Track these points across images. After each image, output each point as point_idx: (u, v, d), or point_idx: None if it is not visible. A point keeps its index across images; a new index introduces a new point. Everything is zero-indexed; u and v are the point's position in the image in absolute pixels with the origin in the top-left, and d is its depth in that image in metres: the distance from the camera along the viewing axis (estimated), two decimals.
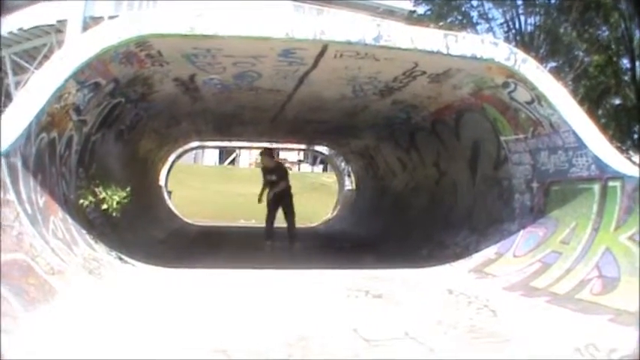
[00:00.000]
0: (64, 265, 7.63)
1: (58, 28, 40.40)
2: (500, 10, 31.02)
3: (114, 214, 10.45)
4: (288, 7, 38.37)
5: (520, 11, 30.21)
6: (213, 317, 6.88)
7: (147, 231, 14.84)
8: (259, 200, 15.10)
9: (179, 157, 25.00)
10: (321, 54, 9.54)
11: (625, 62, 30.06)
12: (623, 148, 27.40)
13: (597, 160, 9.18)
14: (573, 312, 7.40)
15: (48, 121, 8.26)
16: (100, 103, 10.13)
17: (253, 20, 8.59)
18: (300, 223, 24.63)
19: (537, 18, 29.85)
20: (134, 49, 8.95)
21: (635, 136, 30.24)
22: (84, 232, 9.36)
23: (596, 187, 9.16)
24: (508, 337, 6.33)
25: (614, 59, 29.92)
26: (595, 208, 9.08)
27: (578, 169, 9.60)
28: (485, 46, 9.57)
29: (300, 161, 60.62)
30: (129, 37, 8.37)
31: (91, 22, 34.35)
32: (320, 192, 37.83)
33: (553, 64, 29.25)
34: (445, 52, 9.31)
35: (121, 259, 9.95)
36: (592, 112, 18.82)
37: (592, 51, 29.51)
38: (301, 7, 40.27)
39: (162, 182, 23.62)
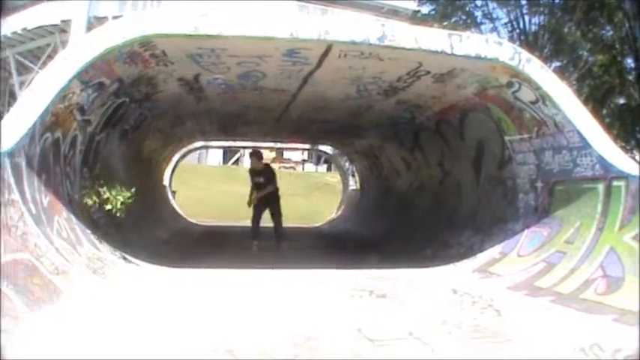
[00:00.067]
0: (68, 265, 7.64)
1: (62, 28, 40.34)
2: (505, 10, 30.92)
3: (118, 214, 10.45)
4: (293, 7, 38.31)
5: (524, 11, 30.11)
6: (218, 317, 6.88)
7: (151, 231, 14.85)
8: (249, 204, 14.97)
9: (183, 156, 25.02)
10: (326, 54, 9.55)
11: (629, 62, 29.97)
12: (628, 147, 27.32)
13: (602, 160, 9.17)
14: (578, 312, 7.40)
15: (52, 121, 8.27)
16: (104, 103, 10.14)
17: (257, 20, 8.60)
18: (304, 222, 24.70)
19: (541, 18, 29.76)
20: (138, 49, 8.96)
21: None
22: (88, 231, 9.37)
23: (601, 187, 9.15)
24: (512, 336, 6.32)
25: (619, 59, 29.82)
26: (599, 207, 9.08)
27: (582, 169, 9.59)
28: (489, 46, 9.57)
29: (304, 161, 60.62)
30: (133, 37, 8.38)
31: (95, 22, 34.29)
32: (324, 192, 37.83)
33: (557, 63, 29.17)
34: (449, 51, 9.30)
35: (125, 258, 9.95)
36: (596, 112, 18.79)
37: (596, 50, 29.42)
38: (305, 7, 40.21)
39: (166, 182, 23.63)
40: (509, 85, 10.15)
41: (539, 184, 10.73)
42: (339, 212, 26.67)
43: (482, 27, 31.43)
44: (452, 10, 31.37)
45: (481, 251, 11.32)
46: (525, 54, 9.74)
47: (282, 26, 8.64)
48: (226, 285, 9.21)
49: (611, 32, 29.59)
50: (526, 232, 10.65)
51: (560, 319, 7.22)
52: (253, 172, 14.81)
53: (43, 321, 5.78)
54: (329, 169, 53.69)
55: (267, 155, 55.57)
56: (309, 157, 59.45)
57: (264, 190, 14.54)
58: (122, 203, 10.41)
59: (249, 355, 5.34)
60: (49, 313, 6.06)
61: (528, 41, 27.97)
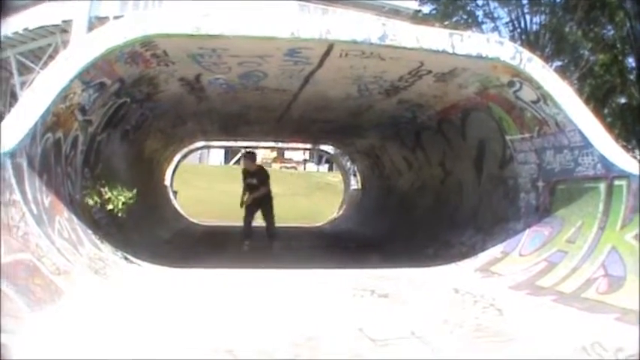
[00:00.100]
0: (69, 265, 7.64)
1: (64, 28, 40.34)
2: (506, 10, 30.98)
3: (119, 214, 10.45)
4: (294, 6, 38.32)
5: (525, 10, 30.16)
6: (219, 317, 6.88)
7: (152, 231, 14.85)
8: (241, 204, 14.93)
9: (184, 157, 25.00)
10: (327, 53, 9.55)
11: (630, 61, 30.00)
12: (629, 147, 27.34)
13: (603, 159, 9.16)
14: (579, 311, 7.40)
15: (53, 121, 8.27)
16: (105, 103, 10.14)
17: (259, 20, 8.59)
18: (305, 222, 24.70)
19: (543, 17, 29.79)
20: (140, 49, 8.96)
21: None
22: (90, 232, 9.37)
23: (602, 186, 9.15)
24: (514, 336, 6.32)
25: (620, 58, 29.85)
26: (601, 207, 9.07)
27: (584, 168, 9.58)
28: (490, 45, 9.57)
29: (305, 160, 60.66)
30: (134, 37, 8.37)
31: (96, 22, 34.28)
32: (325, 191, 37.86)
33: (558, 63, 29.20)
34: (451, 51, 9.30)
35: (126, 259, 9.96)
36: (597, 111, 18.78)
37: (597, 50, 29.45)
38: (306, 7, 40.21)
39: (167, 182, 23.63)
40: (511, 84, 10.14)
41: (540, 184, 10.73)
42: (341, 212, 26.68)
43: (484, 26, 31.51)
44: (453, 9, 31.44)
45: (483, 251, 11.32)
46: (526, 53, 9.74)
47: (283, 26, 8.64)
48: (227, 285, 9.22)
49: (612, 32, 29.64)
50: (527, 231, 10.65)
51: (561, 318, 7.22)
52: (246, 173, 14.75)
53: (45, 321, 5.78)
54: (330, 168, 53.69)
55: (269, 155, 55.73)
56: (310, 157, 59.48)
57: (258, 191, 14.49)
58: (123, 203, 10.41)
59: (249, 355, 5.35)
60: (50, 314, 6.06)
61: (529, 41, 28.00)
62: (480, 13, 31.77)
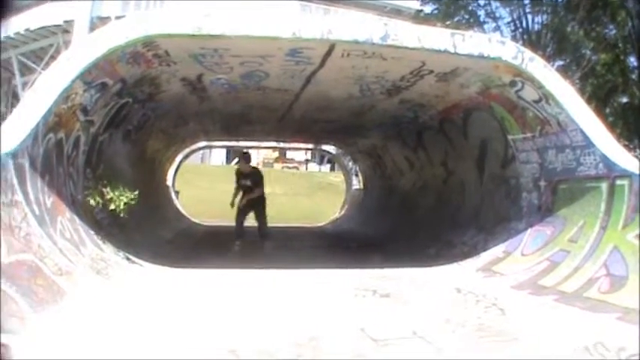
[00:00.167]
0: (71, 266, 7.64)
1: (65, 29, 40.35)
2: (508, 9, 30.96)
3: (121, 214, 10.46)
4: (295, 6, 38.31)
5: (527, 10, 30.13)
6: (221, 317, 6.89)
7: (154, 231, 14.85)
8: (232, 205, 14.86)
9: (186, 157, 25.00)
10: (329, 53, 9.55)
11: (632, 60, 29.99)
12: (631, 146, 27.31)
13: (605, 159, 9.16)
14: (581, 310, 7.40)
15: (55, 122, 8.28)
16: (107, 104, 10.14)
17: (260, 20, 8.60)
18: (307, 222, 24.70)
19: (544, 17, 29.75)
20: (141, 49, 8.96)
21: None
22: (91, 232, 9.38)
23: (604, 186, 9.15)
24: (516, 335, 6.32)
25: (622, 57, 29.83)
26: (603, 206, 9.08)
27: (585, 168, 9.58)
28: (492, 45, 9.57)
29: (307, 160, 60.57)
30: (136, 37, 8.38)
31: (98, 23, 34.29)
32: (327, 191, 37.83)
33: (560, 62, 29.17)
34: (452, 50, 9.30)
35: (128, 259, 9.96)
36: (599, 111, 18.74)
37: (599, 49, 29.42)
38: (308, 7, 40.21)
39: (169, 182, 23.62)
40: (513, 84, 10.14)
41: (542, 183, 10.72)
42: (343, 212, 26.68)
43: (485, 26, 31.47)
44: (455, 9, 31.41)
45: (485, 250, 11.32)
46: (528, 53, 9.74)
47: (285, 26, 8.64)
48: (229, 285, 9.22)
49: (614, 31, 29.60)
50: (529, 231, 10.65)
51: (564, 317, 7.23)
52: (240, 174, 14.64)
53: (47, 322, 5.78)
54: (332, 168, 53.60)
55: (271, 155, 55.70)
56: (312, 157, 59.38)
57: (252, 194, 14.41)
58: (125, 204, 10.42)
59: (251, 355, 5.36)
60: (52, 314, 6.07)
61: (531, 40, 27.97)
62: (481, 12, 31.75)
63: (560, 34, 28.64)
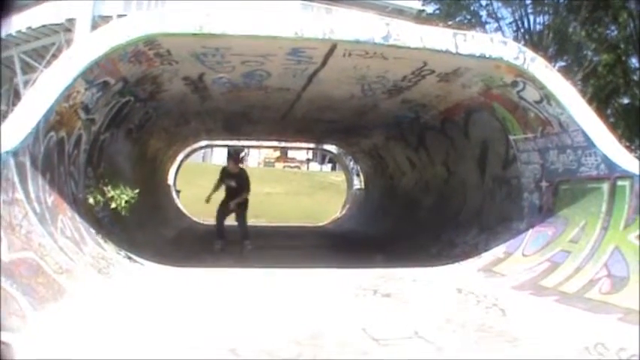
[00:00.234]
0: (72, 264, 7.65)
1: (67, 27, 40.43)
2: (509, 9, 30.97)
3: (122, 213, 10.47)
4: (297, 6, 38.35)
5: (529, 10, 30.15)
6: (222, 316, 6.90)
7: (155, 230, 14.85)
8: (207, 200, 14.75)
9: (188, 156, 24.97)
10: (330, 53, 9.55)
11: (634, 61, 30.00)
12: (632, 147, 27.31)
13: (606, 160, 9.17)
14: (582, 311, 7.40)
15: (56, 120, 8.28)
16: (108, 102, 10.14)
17: (262, 19, 8.61)
18: (308, 222, 24.69)
19: (546, 17, 29.77)
20: (143, 47, 8.96)
21: None
22: (92, 231, 9.37)
23: (605, 186, 9.15)
24: (517, 336, 6.33)
25: (623, 58, 29.81)
26: (604, 207, 9.08)
27: (587, 168, 9.58)
28: (494, 45, 9.57)
29: (308, 160, 60.59)
30: (138, 36, 8.38)
31: (99, 21, 34.39)
32: (328, 191, 37.81)
33: (562, 63, 29.17)
34: (454, 51, 9.31)
35: (129, 258, 9.96)
36: (601, 112, 18.73)
37: (601, 50, 29.41)
38: (310, 6, 40.24)
39: (170, 181, 23.61)
40: (514, 84, 10.14)
41: (543, 184, 10.72)
42: (344, 211, 26.67)
43: (487, 26, 31.48)
44: (456, 9, 31.41)
45: (486, 250, 11.32)
46: (530, 53, 9.74)
47: (286, 25, 8.65)
48: (230, 284, 9.23)
49: (615, 32, 29.57)
50: (531, 231, 10.65)
51: (564, 318, 7.23)
52: (226, 173, 14.49)
53: (48, 320, 5.78)
54: (333, 168, 53.62)
55: (272, 154, 55.72)
56: (313, 157, 59.41)
57: (240, 197, 14.27)
58: (126, 202, 10.43)
59: (252, 354, 5.36)
60: (53, 312, 6.07)
61: (533, 41, 27.98)
62: (483, 13, 31.77)
63: (561, 35, 28.65)
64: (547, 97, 9.76)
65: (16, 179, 6.89)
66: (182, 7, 9.11)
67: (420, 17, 32.59)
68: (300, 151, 53.76)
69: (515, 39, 27.37)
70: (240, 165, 15.05)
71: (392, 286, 9.28)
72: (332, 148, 25.90)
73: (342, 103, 13.41)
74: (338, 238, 19.73)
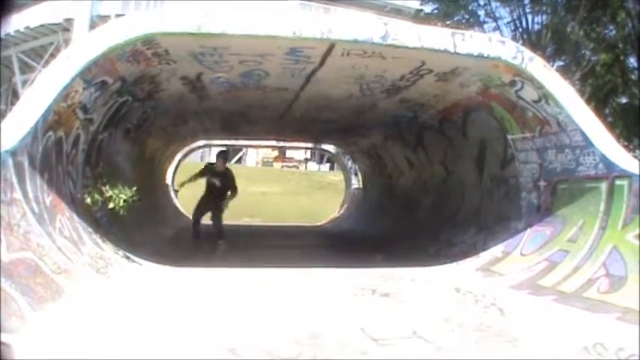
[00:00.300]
0: (70, 264, 7.64)
1: (65, 27, 40.50)
2: (507, 9, 31.02)
3: (120, 212, 10.46)
4: (295, 5, 38.38)
5: (527, 10, 30.20)
6: (221, 316, 6.89)
7: (154, 230, 14.85)
8: (180, 185, 14.61)
9: (186, 155, 24.98)
10: (329, 52, 9.55)
11: (632, 61, 30.07)
12: (630, 146, 27.36)
13: (604, 159, 9.17)
14: (581, 310, 7.41)
15: (55, 120, 8.27)
16: (106, 102, 10.14)
17: (260, 19, 8.60)
18: (306, 221, 24.69)
19: (544, 17, 29.83)
20: (141, 47, 8.96)
21: None
22: (91, 230, 9.37)
23: (604, 186, 9.16)
24: (515, 335, 6.32)
25: (621, 58, 29.89)
26: (602, 206, 9.08)
27: (585, 168, 9.59)
28: (492, 45, 9.57)
29: (307, 160, 60.62)
30: (136, 36, 8.38)
31: (98, 21, 34.43)
32: (326, 190, 37.81)
33: (560, 62, 29.23)
34: (452, 50, 9.31)
35: (127, 257, 9.96)
36: (599, 111, 18.77)
37: (599, 50, 29.48)
38: (308, 6, 40.28)
39: (168, 181, 23.60)
40: (512, 83, 10.14)
41: (542, 183, 10.72)
42: (342, 211, 26.69)
43: (485, 26, 31.52)
44: (454, 8, 31.44)
45: (484, 250, 11.32)
46: (528, 53, 9.74)
47: (285, 25, 8.65)
48: (229, 283, 9.22)
49: (614, 31, 29.63)
50: (529, 230, 10.65)
51: (563, 318, 7.23)
52: (211, 171, 14.28)
53: (46, 320, 5.78)
54: (331, 167, 53.62)
55: (270, 154, 55.75)
56: (311, 156, 59.43)
57: (221, 197, 14.08)
58: (125, 202, 10.41)
59: (252, 354, 5.35)
60: (51, 312, 6.07)
61: (531, 40, 28.04)
62: (481, 12, 31.83)
63: (560, 35, 28.69)
64: (545, 96, 9.76)
65: (14, 179, 6.89)
66: (180, 7, 9.12)
67: (418, 17, 32.67)
68: (299, 151, 53.77)
69: (514, 38, 27.42)
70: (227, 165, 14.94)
71: (390, 285, 9.28)
72: (330, 147, 25.93)
73: (340, 102, 13.41)
74: (336, 238, 19.74)
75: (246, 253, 13.66)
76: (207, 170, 14.36)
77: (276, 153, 56.69)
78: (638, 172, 8.57)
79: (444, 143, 14.64)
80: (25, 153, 7.28)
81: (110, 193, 10.30)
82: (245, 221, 24.42)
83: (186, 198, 24.16)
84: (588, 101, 15.95)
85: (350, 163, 26.09)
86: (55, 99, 7.85)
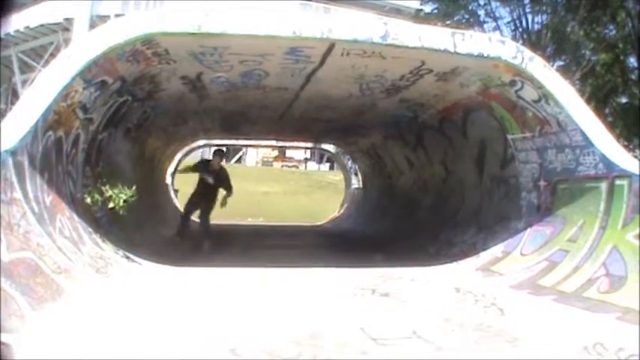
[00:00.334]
0: (71, 264, 7.64)
1: (65, 27, 40.50)
2: (507, 9, 31.04)
3: (120, 212, 10.46)
4: (295, 5, 38.36)
5: (527, 10, 30.22)
6: (221, 316, 6.88)
7: (153, 229, 14.84)
8: (180, 171, 14.58)
9: (186, 155, 24.95)
10: (329, 52, 9.55)
11: (632, 61, 30.10)
12: (630, 146, 27.37)
13: (604, 159, 9.17)
14: (581, 310, 7.40)
15: (54, 120, 8.27)
16: (106, 102, 10.14)
17: (260, 19, 8.60)
18: (306, 221, 24.68)
19: (544, 16, 29.85)
20: (141, 47, 8.95)
21: None
22: (91, 230, 9.37)
23: (603, 186, 9.15)
24: (515, 335, 6.31)
25: (621, 58, 29.92)
26: (602, 206, 9.07)
27: (585, 168, 9.59)
28: (492, 45, 9.57)
29: (306, 159, 60.60)
30: (136, 36, 8.38)
31: (98, 21, 34.42)
32: (326, 190, 37.83)
33: (560, 62, 29.25)
34: (452, 50, 9.30)
35: (127, 257, 9.95)
36: (599, 111, 18.77)
37: (599, 50, 29.50)
38: (308, 6, 40.26)
39: (168, 180, 23.60)
40: (512, 83, 10.14)
41: (541, 183, 10.72)
42: (342, 211, 26.69)
43: (485, 26, 31.55)
44: (454, 8, 31.46)
45: (484, 250, 11.32)
46: (528, 53, 9.74)
47: (285, 25, 8.65)
48: (229, 283, 9.21)
49: (614, 31, 29.64)
50: (529, 230, 10.65)
51: (563, 317, 7.23)
52: (207, 167, 14.37)
53: (46, 320, 5.78)
54: (331, 167, 53.63)
55: (270, 154, 55.75)
56: (311, 156, 59.42)
57: (211, 195, 14.30)
58: (124, 201, 10.42)
59: (252, 353, 5.34)
60: (51, 312, 6.07)
61: (531, 40, 28.06)
62: (481, 12, 31.85)
63: (560, 34, 28.71)
64: (545, 96, 9.76)
65: (14, 179, 6.89)
66: (180, 7, 9.11)
67: (418, 16, 32.73)
68: (298, 151, 53.74)
69: (514, 38, 27.46)
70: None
71: (390, 285, 9.28)
72: (330, 147, 25.94)
73: (340, 102, 13.41)
74: (336, 238, 19.74)
75: (245, 252, 13.64)
76: (203, 166, 14.43)
77: (275, 153, 56.69)
78: (638, 172, 8.56)
79: (443, 143, 14.64)
80: (25, 152, 7.28)
81: (110, 192, 10.31)
82: (249, 221, 24.44)
83: (186, 198, 24.28)
84: (588, 101, 15.96)
85: (350, 162, 26.09)
86: (54, 99, 7.85)
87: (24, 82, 42.37)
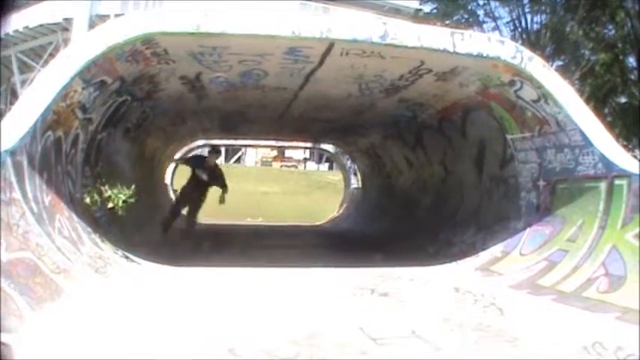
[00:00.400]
0: (70, 264, 7.64)
1: (65, 27, 40.50)
2: (507, 9, 31.06)
3: (120, 212, 10.46)
4: (295, 5, 38.36)
5: (526, 10, 30.23)
6: (219, 316, 6.87)
7: (153, 229, 14.84)
8: (179, 163, 14.59)
9: (185, 154, 24.98)
10: (328, 52, 9.54)
11: (631, 61, 30.08)
12: (630, 146, 27.37)
13: (604, 159, 9.17)
14: (580, 310, 7.41)
15: (54, 120, 8.26)
16: (105, 102, 10.14)
17: (259, 18, 8.60)
18: (305, 221, 24.68)
19: (543, 16, 29.88)
20: (140, 47, 8.95)
21: None
22: (90, 230, 9.36)
23: (603, 186, 9.15)
24: (515, 335, 6.31)
25: (621, 58, 29.92)
26: (601, 206, 9.07)
27: (584, 168, 9.59)
28: (491, 44, 9.56)
29: (306, 159, 60.54)
30: (135, 35, 8.38)
31: (97, 21, 34.42)
32: (326, 190, 37.80)
33: (559, 62, 29.27)
34: (452, 50, 9.30)
35: (127, 257, 9.95)
36: (598, 111, 18.80)
37: (598, 49, 29.51)
38: (307, 5, 40.26)
39: (168, 181, 23.59)
40: (512, 83, 10.14)
41: (541, 183, 10.73)
42: (341, 211, 26.68)
43: (484, 25, 31.55)
44: (454, 8, 31.48)
45: (483, 249, 11.32)
46: (527, 52, 9.73)
47: (284, 24, 8.64)
48: (228, 283, 9.20)
49: (613, 31, 29.66)
50: (528, 230, 10.65)
51: (562, 317, 7.23)
52: (201, 164, 14.48)
53: (45, 320, 5.78)
54: (330, 167, 53.59)
55: (269, 154, 55.73)
56: (310, 156, 59.37)
57: (206, 192, 14.45)
58: (124, 202, 10.42)
59: (251, 353, 5.34)
60: (50, 312, 6.06)
61: (530, 40, 28.07)
62: (480, 12, 31.86)
63: (559, 34, 28.72)
64: (544, 96, 9.76)
65: (13, 179, 6.89)
66: (180, 7, 9.11)
67: (417, 16, 32.77)
68: (298, 151, 53.71)
69: (513, 38, 27.46)
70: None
71: (389, 285, 9.28)
72: (329, 147, 25.92)
73: (339, 102, 13.41)
74: (335, 238, 19.74)
75: (245, 252, 13.64)
76: (197, 161, 14.47)
77: (275, 152, 56.60)
78: (637, 172, 8.57)
79: (443, 143, 14.64)
80: (24, 153, 7.28)
81: (109, 192, 10.31)
82: (248, 221, 24.44)
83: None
84: (587, 101, 15.95)
85: (349, 162, 26.07)
86: (54, 99, 7.85)
87: (23, 82, 42.38)
